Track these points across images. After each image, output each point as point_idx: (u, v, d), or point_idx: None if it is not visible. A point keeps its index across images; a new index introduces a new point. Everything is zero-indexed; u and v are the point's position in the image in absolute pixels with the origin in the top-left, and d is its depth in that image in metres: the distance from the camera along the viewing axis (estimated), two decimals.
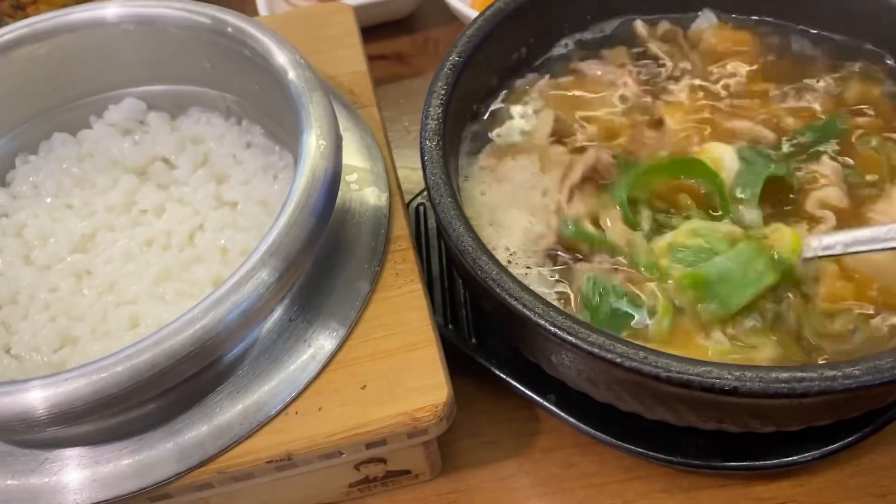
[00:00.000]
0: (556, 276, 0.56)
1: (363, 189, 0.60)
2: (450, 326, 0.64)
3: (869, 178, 0.59)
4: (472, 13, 0.89)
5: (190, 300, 0.56)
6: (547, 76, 0.70)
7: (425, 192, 0.71)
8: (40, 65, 0.65)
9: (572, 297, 0.55)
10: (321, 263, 0.55)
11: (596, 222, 0.58)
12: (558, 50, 0.71)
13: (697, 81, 0.67)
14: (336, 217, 0.55)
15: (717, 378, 0.44)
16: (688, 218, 0.57)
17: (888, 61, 0.66)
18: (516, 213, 0.60)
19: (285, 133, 0.64)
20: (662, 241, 0.55)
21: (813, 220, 0.57)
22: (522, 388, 0.61)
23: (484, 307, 0.57)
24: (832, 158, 0.60)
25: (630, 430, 0.58)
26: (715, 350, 0.51)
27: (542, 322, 0.47)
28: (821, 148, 0.61)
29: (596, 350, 0.45)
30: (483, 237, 0.54)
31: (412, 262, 0.57)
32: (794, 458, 0.57)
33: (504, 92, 0.69)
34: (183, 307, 0.52)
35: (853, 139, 0.61)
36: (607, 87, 0.68)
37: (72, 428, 0.47)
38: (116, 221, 0.62)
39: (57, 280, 0.59)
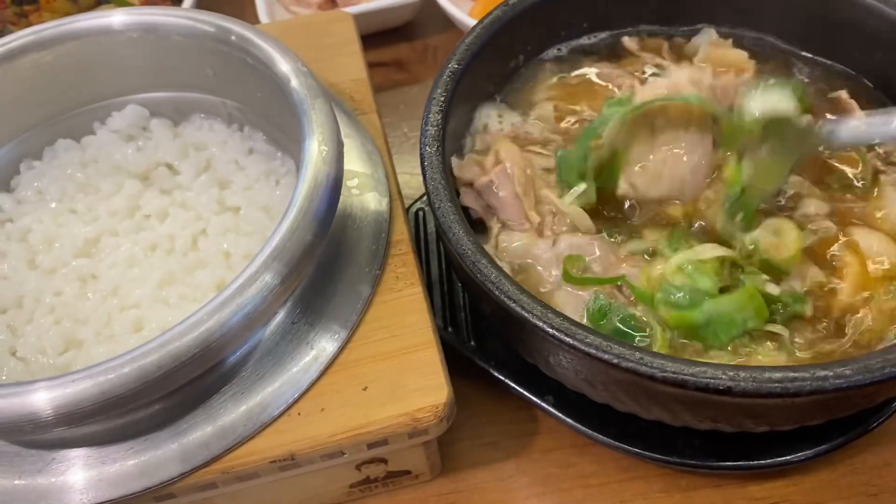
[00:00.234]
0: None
1: (364, 194, 0.61)
2: (449, 329, 0.65)
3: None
4: (471, 21, 0.91)
5: (193, 304, 0.57)
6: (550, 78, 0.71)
7: (424, 198, 0.72)
8: (45, 72, 0.66)
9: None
10: (323, 267, 0.56)
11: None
12: (552, 52, 0.73)
13: None
14: (338, 222, 0.56)
15: (712, 378, 0.45)
16: (673, 233, 0.58)
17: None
18: None
19: (287, 139, 0.65)
20: (655, 272, 0.55)
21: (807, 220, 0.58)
22: (521, 390, 0.62)
23: (483, 310, 0.58)
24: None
25: (627, 430, 0.59)
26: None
27: (540, 324, 0.48)
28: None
29: (593, 351, 0.46)
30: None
31: (412, 265, 0.58)
32: (788, 457, 0.58)
33: (499, 99, 0.70)
34: (186, 311, 0.53)
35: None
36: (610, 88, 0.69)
37: (78, 428, 0.47)
38: (120, 226, 0.63)
39: (61, 284, 0.60)
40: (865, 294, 0.55)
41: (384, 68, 0.99)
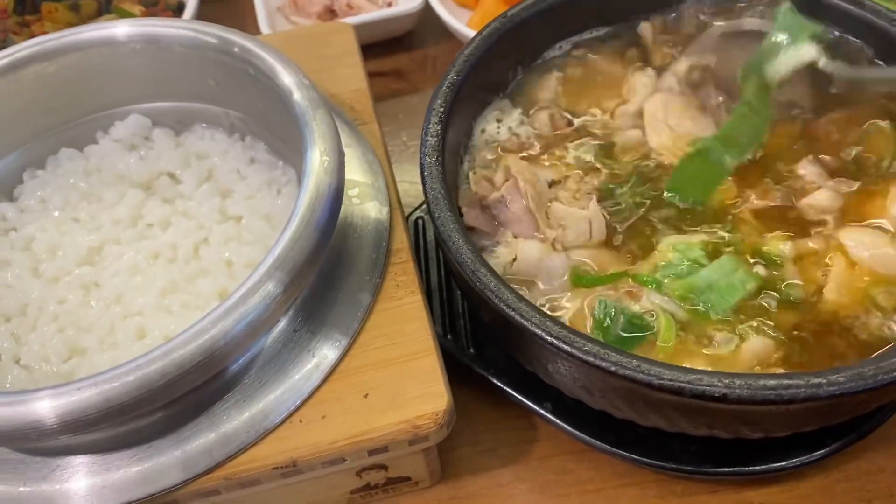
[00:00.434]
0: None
1: (365, 203, 0.62)
2: (448, 336, 0.66)
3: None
4: (469, 32, 0.92)
5: (196, 312, 0.58)
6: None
7: (424, 206, 0.73)
8: (48, 83, 0.67)
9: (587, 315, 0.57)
10: (325, 275, 0.57)
11: None
12: (553, 52, 0.74)
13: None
14: (339, 231, 0.57)
15: (707, 385, 0.45)
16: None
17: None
18: None
19: (288, 149, 0.66)
20: (652, 261, 0.58)
21: (814, 224, 0.60)
22: (519, 397, 0.62)
23: (482, 317, 0.59)
24: (812, 162, 0.63)
25: (624, 437, 0.60)
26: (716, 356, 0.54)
27: (539, 332, 0.49)
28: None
29: (591, 359, 0.47)
30: None
31: (412, 273, 0.59)
32: (783, 463, 0.59)
33: (496, 109, 0.71)
34: (189, 319, 0.54)
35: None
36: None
37: (82, 436, 0.48)
38: (123, 235, 0.64)
39: (65, 292, 0.60)
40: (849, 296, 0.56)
41: (383, 78, 1.00)
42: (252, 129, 0.69)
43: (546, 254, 0.59)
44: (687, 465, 0.59)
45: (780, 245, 0.58)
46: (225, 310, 0.48)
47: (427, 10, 0.98)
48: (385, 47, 1.02)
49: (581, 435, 0.60)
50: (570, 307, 0.58)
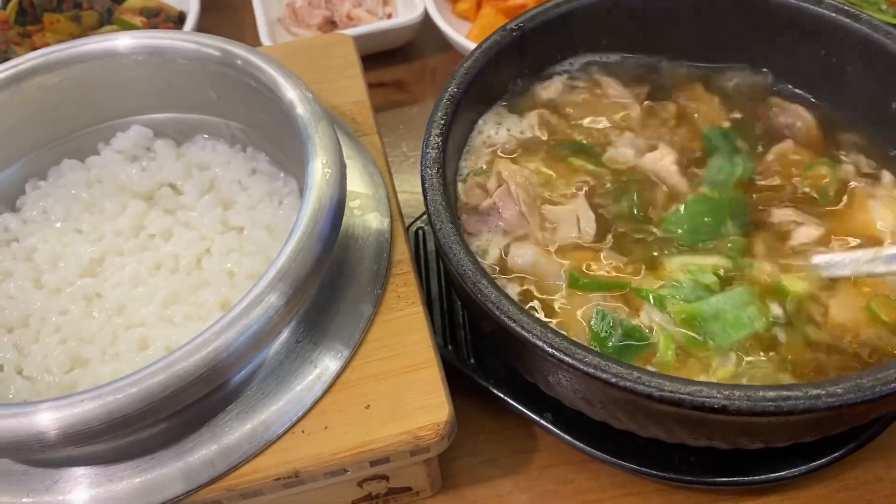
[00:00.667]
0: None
1: (366, 214, 0.62)
2: (449, 347, 0.66)
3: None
4: (468, 44, 0.92)
5: (198, 323, 0.58)
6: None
7: (424, 217, 0.74)
8: (51, 94, 0.67)
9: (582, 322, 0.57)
10: (326, 287, 0.57)
11: None
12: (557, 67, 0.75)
13: None
14: (340, 242, 0.57)
15: (707, 397, 0.46)
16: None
17: None
18: None
19: (289, 160, 0.66)
20: (657, 276, 0.58)
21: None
22: (520, 407, 0.63)
23: (483, 328, 0.59)
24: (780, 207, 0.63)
25: (624, 447, 0.60)
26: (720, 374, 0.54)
27: (540, 343, 0.49)
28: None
29: (591, 370, 0.47)
30: None
31: (413, 285, 0.59)
32: (782, 473, 0.59)
33: (496, 114, 0.72)
34: (191, 329, 0.54)
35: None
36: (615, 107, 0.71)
37: (85, 447, 0.48)
38: (125, 246, 0.64)
39: (67, 303, 0.61)
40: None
41: (384, 89, 1.01)
42: (253, 141, 0.69)
43: (541, 257, 0.60)
44: (687, 475, 0.59)
45: (797, 282, 0.57)
46: (227, 321, 0.48)
47: (427, 22, 0.99)
48: (385, 58, 1.03)
49: (581, 445, 0.61)
50: (567, 309, 0.58)
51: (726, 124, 0.69)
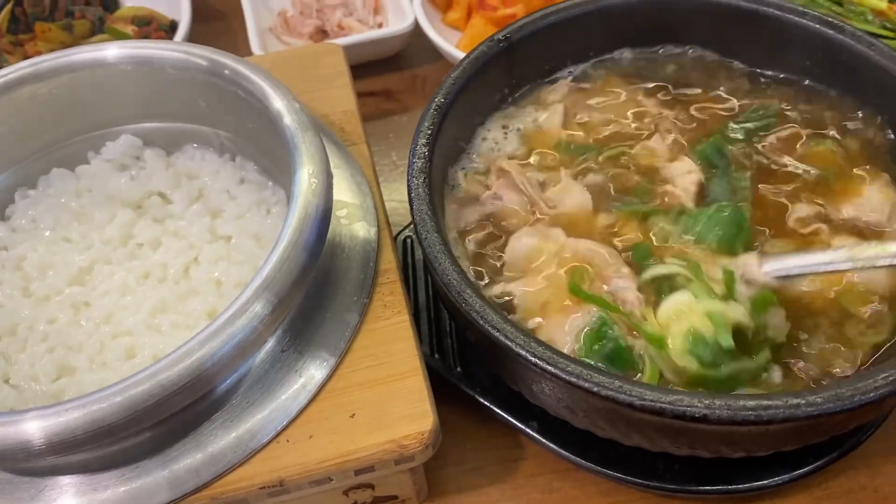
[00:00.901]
0: None
1: (353, 224, 0.63)
2: (436, 356, 0.66)
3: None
4: (458, 53, 0.93)
5: (185, 331, 0.58)
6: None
7: (412, 225, 0.74)
8: (41, 103, 0.68)
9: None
10: (312, 296, 0.57)
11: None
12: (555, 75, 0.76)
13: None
14: (327, 251, 0.57)
15: (688, 406, 0.46)
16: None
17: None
18: None
19: (277, 169, 0.67)
20: (665, 311, 0.55)
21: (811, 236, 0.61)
22: (505, 416, 0.63)
23: (468, 337, 0.59)
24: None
25: (609, 455, 0.60)
26: None
27: (523, 352, 0.49)
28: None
29: (573, 379, 0.48)
30: None
31: (400, 294, 0.59)
32: (766, 482, 0.59)
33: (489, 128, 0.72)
34: (178, 338, 0.55)
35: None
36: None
37: (70, 456, 0.48)
38: (113, 254, 0.64)
39: (55, 312, 0.61)
40: None
41: (374, 98, 1.02)
42: (242, 150, 0.70)
43: (541, 245, 0.60)
44: (671, 483, 0.60)
45: None
46: (212, 331, 0.48)
47: (417, 32, 0.99)
48: (376, 67, 1.04)
49: (566, 454, 0.61)
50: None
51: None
